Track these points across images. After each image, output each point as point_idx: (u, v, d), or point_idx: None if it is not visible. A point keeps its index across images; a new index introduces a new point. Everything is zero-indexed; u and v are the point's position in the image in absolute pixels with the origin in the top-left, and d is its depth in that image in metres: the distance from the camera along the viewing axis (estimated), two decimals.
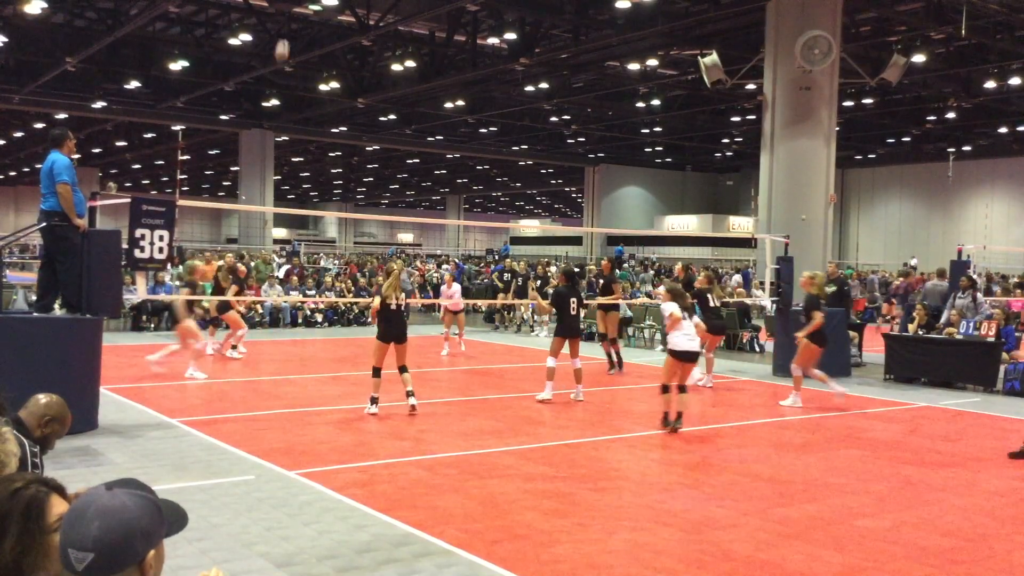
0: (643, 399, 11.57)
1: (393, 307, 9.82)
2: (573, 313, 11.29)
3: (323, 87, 28.09)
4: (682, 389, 9.41)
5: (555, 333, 11.37)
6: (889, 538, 5.94)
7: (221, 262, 15.71)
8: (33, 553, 1.70)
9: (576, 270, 13.47)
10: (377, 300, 9.96)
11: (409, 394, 9.89)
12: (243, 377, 12.59)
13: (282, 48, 11.74)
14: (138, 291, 11.18)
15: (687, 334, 9.26)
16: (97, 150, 47.07)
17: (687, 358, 9.35)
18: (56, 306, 9.56)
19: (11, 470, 2.73)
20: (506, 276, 22.10)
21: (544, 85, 28.60)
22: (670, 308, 9.36)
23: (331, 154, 51.22)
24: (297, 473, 7.16)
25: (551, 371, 11.02)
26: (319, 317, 21.08)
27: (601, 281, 16.04)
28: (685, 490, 7.01)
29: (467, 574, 5.08)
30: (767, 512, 6.46)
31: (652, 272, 34.86)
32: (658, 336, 18.74)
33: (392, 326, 9.81)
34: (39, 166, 9.99)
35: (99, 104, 32.88)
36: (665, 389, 9.33)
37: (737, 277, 27.88)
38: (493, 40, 23.81)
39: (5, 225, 48.07)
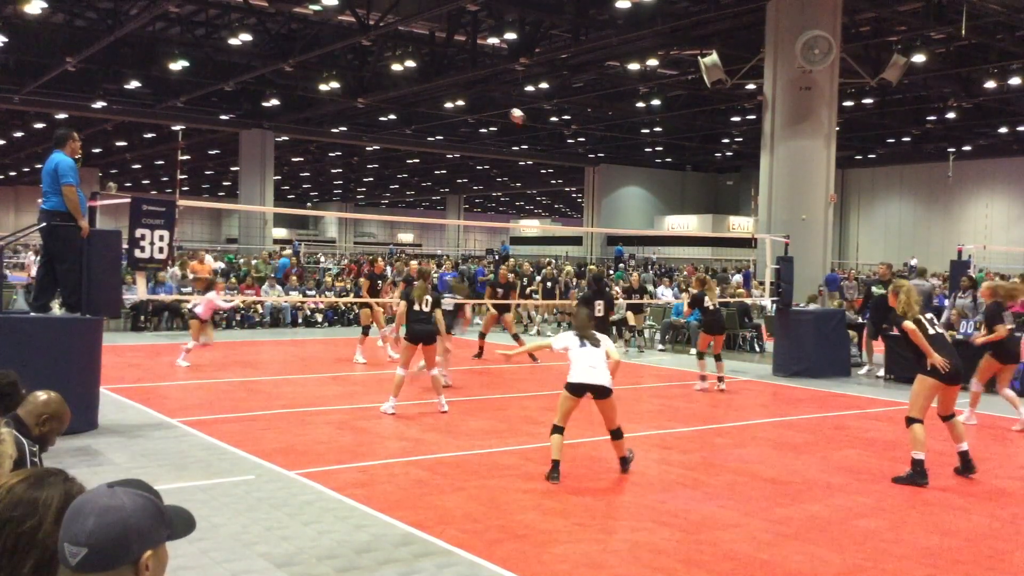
0: (643, 399, 11.57)
1: (417, 308, 10.06)
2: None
3: (323, 87, 28.10)
4: (615, 434, 7.46)
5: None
6: (889, 538, 5.94)
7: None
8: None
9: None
10: (403, 305, 10.27)
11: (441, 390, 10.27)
12: (243, 377, 12.59)
13: (517, 113, 12.54)
14: (138, 291, 11.18)
15: (591, 365, 7.27)
16: (97, 150, 47.08)
17: (591, 392, 7.28)
18: (55, 306, 9.57)
19: (5, 471, 2.73)
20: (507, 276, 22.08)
21: (544, 85, 28.61)
22: (561, 343, 7.58)
23: (331, 154, 51.22)
24: (297, 473, 7.16)
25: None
26: (319, 317, 21.08)
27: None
28: (685, 490, 7.01)
29: (467, 574, 5.08)
30: (767, 512, 6.46)
31: (652, 272, 34.87)
32: (657, 336, 18.75)
33: (419, 328, 10.00)
34: (39, 166, 10.00)
35: (99, 104, 32.88)
36: (555, 429, 7.33)
37: (738, 277, 27.87)
38: (493, 40, 23.82)
39: (5, 225, 48.07)
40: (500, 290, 16.13)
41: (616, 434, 7.53)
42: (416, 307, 10.06)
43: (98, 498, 1.60)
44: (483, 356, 15.35)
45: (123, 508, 1.59)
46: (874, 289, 14.72)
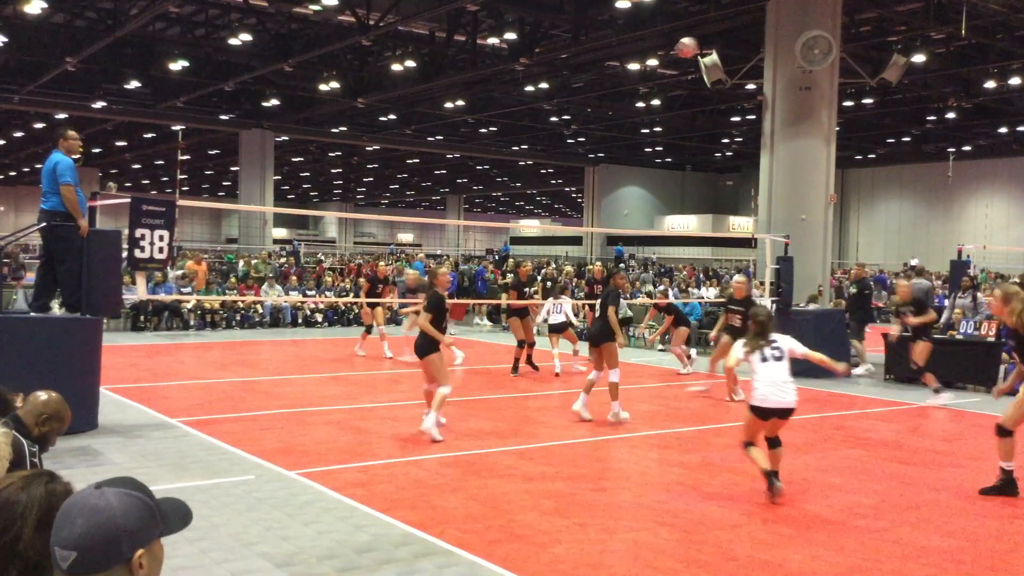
0: (643, 400, 11.56)
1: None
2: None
3: (323, 87, 28.09)
4: (773, 443, 6.97)
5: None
6: (889, 538, 5.93)
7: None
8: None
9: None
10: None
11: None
12: (243, 377, 12.59)
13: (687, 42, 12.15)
14: (138, 291, 11.18)
15: (775, 381, 6.69)
16: (97, 150, 47.07)
17: (774, 415, 6.76)
18: (55, 306, 9.57)
19: (1, 473, 2.73)
20: (509, 276, 22.15)
21: (544, 85, 28.59)
22: (738, 354, 7.06)
23: (331, 154, 51.21)
24: (297, 473, 7.16)
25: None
26: (319, 317, 21.08)
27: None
28: (685, 490, 7.01)
29: (467, 574, 5.08)
30: (767, 512, 6.46)
31: (652, 273, 34.86)
32: (657, 336, 18.73)
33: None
34: (39, 166, 10.01)
35: (99, 104, 32.88)
36: (748, 445, 6.97)
37: (738, 277, 27.85)
38: (493, 40, 23.80)
39: (5, 225, 48.06)
40: (528, 290, 14.28)
41: (774, 442, 6.90)
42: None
43: (86, 500, 1.59)
44: (538, 369, 13.77)
45: (111, 508, 1.58)
46: (850, 288, 15.00)
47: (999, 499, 7.08)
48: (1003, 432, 7.17)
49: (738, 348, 7.09)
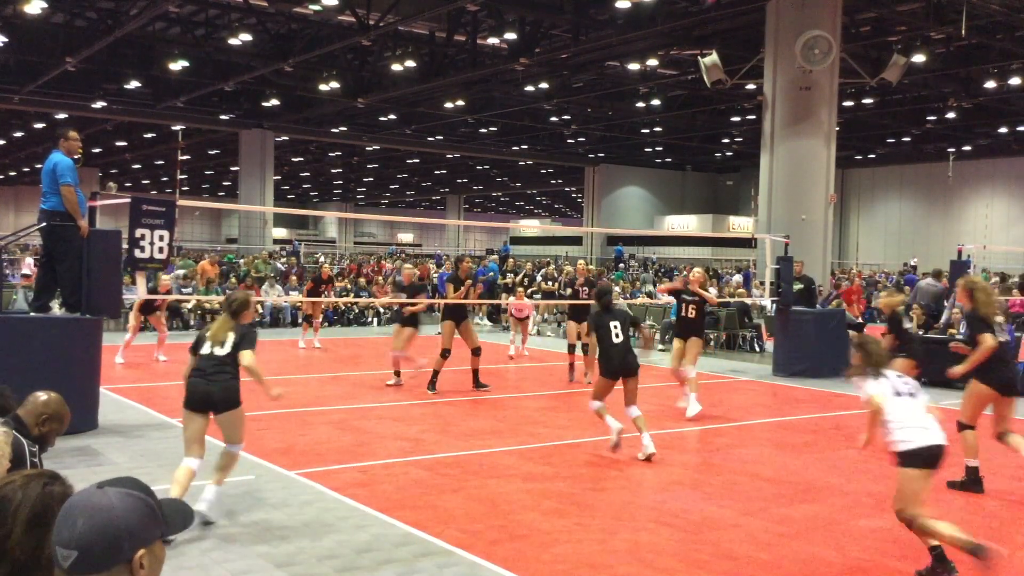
0: (643, 399, 11.54)
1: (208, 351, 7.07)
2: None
3: (323, 87, 28.09)
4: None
5: None
6: (889, 538, 5.93)
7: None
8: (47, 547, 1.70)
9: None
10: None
11: None
12: (243, 377, 12.57)
13: None
14: (138, 291, 11.17)
15: (923, 425, 5.16)
16: (97, 150, 47.07)
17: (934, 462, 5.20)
18: (55, 306, 9.57)
19: (1, 472, 2.73)
20: (509, 276, 22.16)
21: (544, 85, 28.59)
22: (871, 391, 5.21)
23: (331, 154, 51.21)
24: (297, 473, 7.16)
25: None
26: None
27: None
28: (685, 490, 7.01)
29: (467, 574, 5.08)
30: (767, 512, 6.46)
31: (652, 272, 34.88)
32: (657, 336, 18.73)
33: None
34: (39, 166, 10.01)
35: (99, 104, 32.88)
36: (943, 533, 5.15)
37: (738, 277, 27.88)
38: (493, 40, 23.80)
39: (5, 225, 48.09)
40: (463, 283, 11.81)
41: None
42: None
43: (87, 499, 1.58)
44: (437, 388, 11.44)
45: (112, 508, 1.57)
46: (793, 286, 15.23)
47: (999, 500, 7.08)
48: (962, 427, 7.25)
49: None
